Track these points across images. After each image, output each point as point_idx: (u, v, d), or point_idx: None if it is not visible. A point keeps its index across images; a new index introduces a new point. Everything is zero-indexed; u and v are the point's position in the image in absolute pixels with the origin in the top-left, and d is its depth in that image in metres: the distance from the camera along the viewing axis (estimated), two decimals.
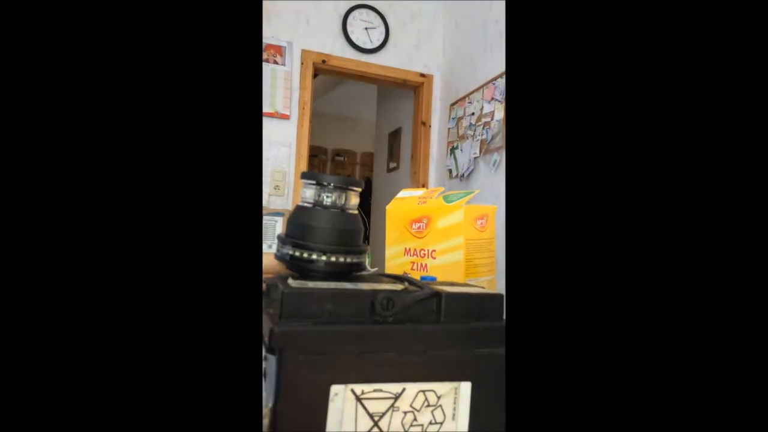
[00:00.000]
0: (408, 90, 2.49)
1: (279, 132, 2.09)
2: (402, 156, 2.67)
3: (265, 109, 2.05)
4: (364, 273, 0.39)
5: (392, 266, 0.59)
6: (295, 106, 2.11)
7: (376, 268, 0.45)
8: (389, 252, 0.59)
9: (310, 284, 0.30)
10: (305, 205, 0.38)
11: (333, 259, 0.35)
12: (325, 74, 2.40)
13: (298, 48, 2.11)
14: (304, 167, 2.12)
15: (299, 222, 0.37)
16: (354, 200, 0.39)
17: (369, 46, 2.23)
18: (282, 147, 2.09)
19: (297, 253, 0.36)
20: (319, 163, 4.44)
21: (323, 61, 2.16)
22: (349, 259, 0.36)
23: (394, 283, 0.36)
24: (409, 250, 0.56)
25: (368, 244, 0.42)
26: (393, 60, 2.28)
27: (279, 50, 2.08)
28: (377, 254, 0.54)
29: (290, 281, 0.31)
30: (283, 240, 0.38)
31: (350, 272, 0.37)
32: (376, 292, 0.29)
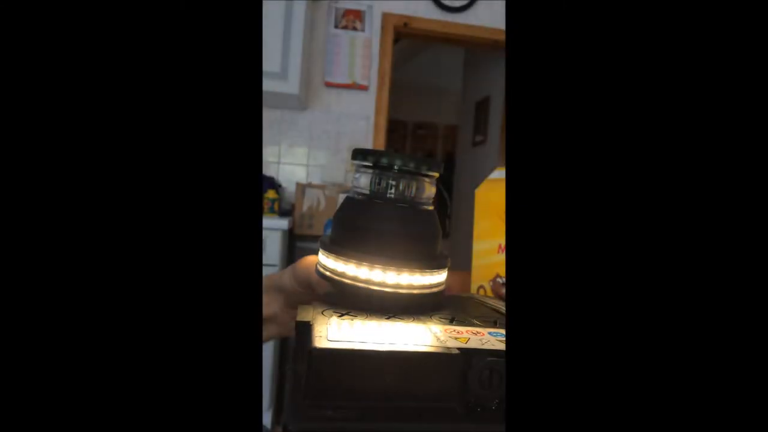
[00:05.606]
0: (499, 53, 2.23)
1: (356, 104, 1.98)
2: (490, 128, 2.45)
3: (343, 79, 1.96)
4: (444, 298, 0.27)
5: (482, 267, 0.46)
6: (374, 75, 1.98)
7: (469, 294, 0.32)
8: (478, 248, 0.46)
9: (359, 330, 0.20)
10: (358, 196, 0.26)
11: (398, 280, 0.24)
12: (406, 38, 2.23)
13: (379, 11, 1.96)
14: (382, 141, 2.01)
15: (347, 221, 0.25)
16: (429, 190, 0.26)
17: (456, 4, 2.00)
18: (359, 120, 1.99)
19: (343, 269, 0.23)
20: (399, 137, 4.31)
21: (405, 24, 1.99)
22: (423, 280, 0.24)
23: (487, 322, 0.23)
24: (505, 247, 0.42)
25: (448, 235, 0.29)
26: (483, 18, 2.02)
27: (358, 15, 1.95)
28: (462, 251, 0.43)
29: (330, 325, 0.20)
30: (325, 245, 0.25)
31: (422, 303, 0.25)
32: (470, 355, 0.18)
